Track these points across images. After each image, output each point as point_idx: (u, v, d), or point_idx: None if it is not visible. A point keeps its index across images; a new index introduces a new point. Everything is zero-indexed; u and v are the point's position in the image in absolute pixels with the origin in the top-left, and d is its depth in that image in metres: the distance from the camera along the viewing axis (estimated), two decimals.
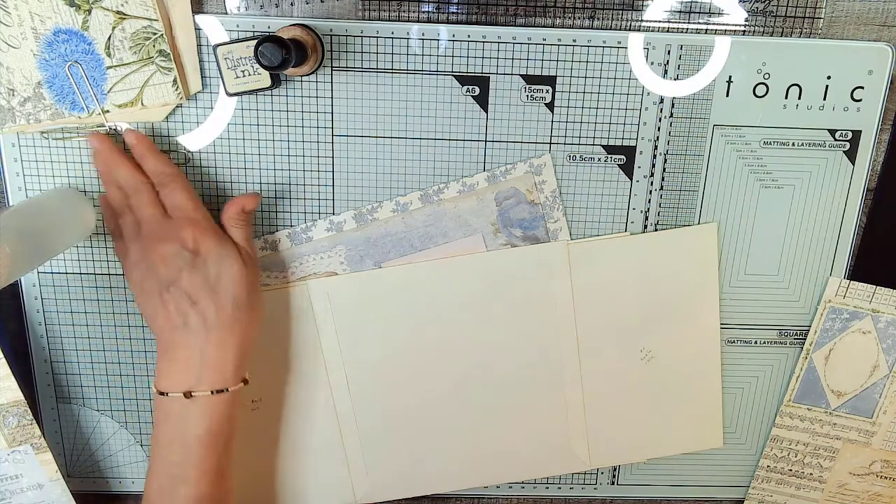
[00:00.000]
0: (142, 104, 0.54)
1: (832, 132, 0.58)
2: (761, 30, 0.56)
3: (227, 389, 0.53)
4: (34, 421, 0.60)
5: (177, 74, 0.53)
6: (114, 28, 0.52)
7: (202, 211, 0.54)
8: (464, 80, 0.56)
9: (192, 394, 0.52)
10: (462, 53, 0.55)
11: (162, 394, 0.52)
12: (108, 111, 0.54)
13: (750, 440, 0.67)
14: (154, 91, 0.54)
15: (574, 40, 0.55)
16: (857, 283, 0.61)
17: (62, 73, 0.53)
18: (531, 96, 0.57)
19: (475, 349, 0.62)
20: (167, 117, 0.55)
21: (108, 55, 0.53)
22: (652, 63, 0.56)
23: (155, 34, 0.52)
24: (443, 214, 0.59)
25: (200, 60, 0.54)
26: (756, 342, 0.64)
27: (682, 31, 0.56)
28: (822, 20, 0.56)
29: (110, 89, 0.54)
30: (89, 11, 0.52)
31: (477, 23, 0.55)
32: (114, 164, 0.54)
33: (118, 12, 0.52)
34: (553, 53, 0.56)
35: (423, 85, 0.56)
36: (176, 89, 0.54)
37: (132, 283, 0.54)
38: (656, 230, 0.60)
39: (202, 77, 0.55)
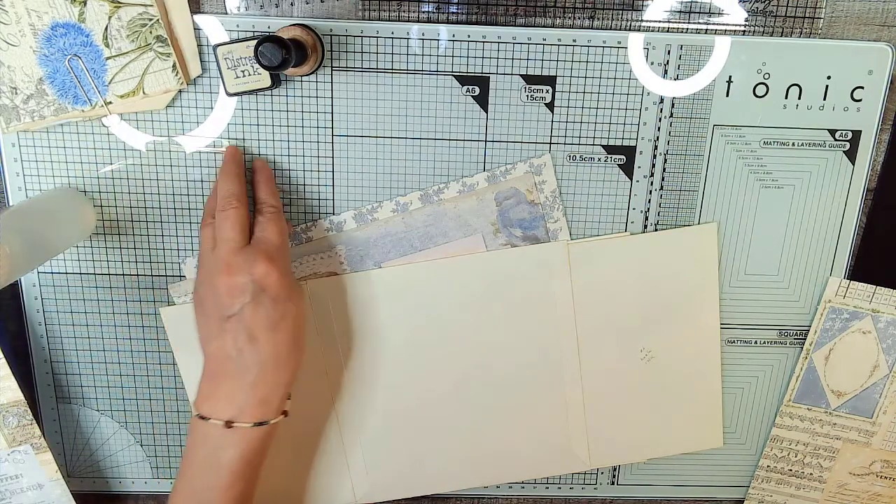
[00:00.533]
0: (143, 93, 0.54)
1: (832, 132, 0.58)
2: (761, 30, 0.56)
3: (269, 422, 0.52)
4: (34, 421, 0.60)
5: (175, 59, 0.53)
6: (110, 17, 0.52)
7: (285, 252, 0.53)
8: (464, 80, 0.56)
9: (233, 424, 0.51)
10: (462, 53, 0.55)
11: (202, 418, 0.51)
12: (110, 102, 0.54)
13: (750, 440, 0.67)
14: (154, 78, 0.54)
15: (574, 40, 0.55)
16: (857, 283, 0.61)
17: (63, 68, 0.53)
18: (531, 96, 0.57)
19: (475, 349, 0.62)
20: (168, 106, 0.55)
21: (107, 45, 0.53)
22: (652, 63, 0.56)
23: (151, 20, 0.52)
24: (443, 214, 0.59)
25: (199, 46, 0.54)
26: (756, 342, 0.64)
27: (682, 31, 0.56)
28: (822, 20, 0.56)
29: (111, 80, 0.54)
30: (84, 3, 0.52)
31: (477, 23, 0.55)
32: (225, 174, 0.54)
33: (113, 1, 0.52)
34: (553, 53, 0.56)
35: (423, 85, 0.56)
36: (176, 74, 0.54)
37: (195, 298, 0.54)
38: (656, 230, 0.60)
39: (201, 61, 0.55)
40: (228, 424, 0.51)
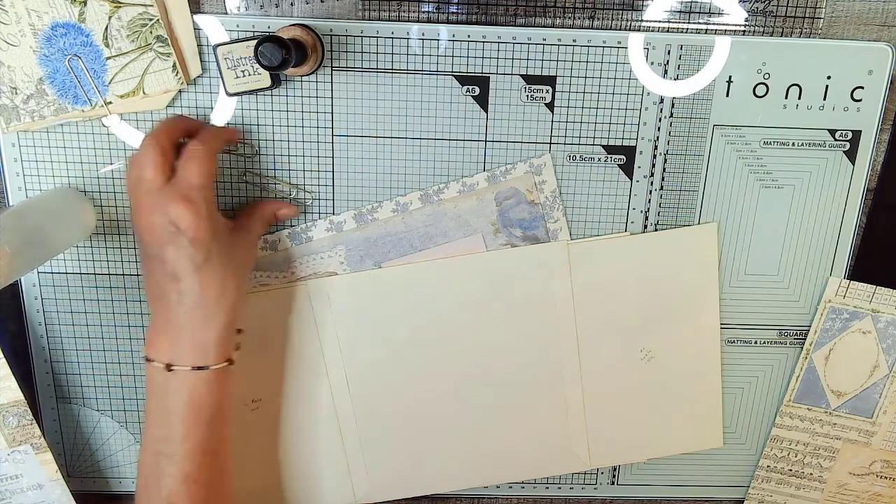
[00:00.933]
0: (143, 93, 0.54)
1: (832, 132, 0.58)
2: (761, 30, 0.56)
3: (209, 367, 0.52)
4: (34, 421, 0.60)
5: (176, 59, 0.53)
6: (110, 17, 0.52)
7: (205, 193, 0.51)
8: (464, 80, 0.56)
9: (173, 367, 0.51)
10: (462, 53, 0.55)
11: (148, 360, 0.52)
12: (110, 102, 0.54)
13: (750, 440, 0.67)
14: (154, 78, 0.54)
15: (574, 40, 0.55)
16: (857, 283, 0.61)
17: (63, 68, 0.53)
18: (531, 96, 0.57)
19: (475, 349, 0.62)
20: (168, 106, 0.55)
21: (107, 45, 0.53)
22: (652, 63, 0.56)
23: (151, 20, 0.52)
24: (443, 214, 0.59)
25: (199, 46, 0.54)
26: (756, 342, 0.64)
27: (682, 31, 0.56)
28: (822, 20, 0.56)
29: (111, 80, 0.54)
30: (85, 3, 0.52)
31: (477, 23, 0.55)
32: (171, 119, 0.54)
33: (113, 1, 0.52)
34: (553, 53, 0.56)
35: (423, 85, 0.56)
36: (176, 74, 0.54)
37: (134, 231, 0.53)
38: (656, 230, 0.60)
39: (201, 61, 0.55)
40: (169, 367, 0.51)
